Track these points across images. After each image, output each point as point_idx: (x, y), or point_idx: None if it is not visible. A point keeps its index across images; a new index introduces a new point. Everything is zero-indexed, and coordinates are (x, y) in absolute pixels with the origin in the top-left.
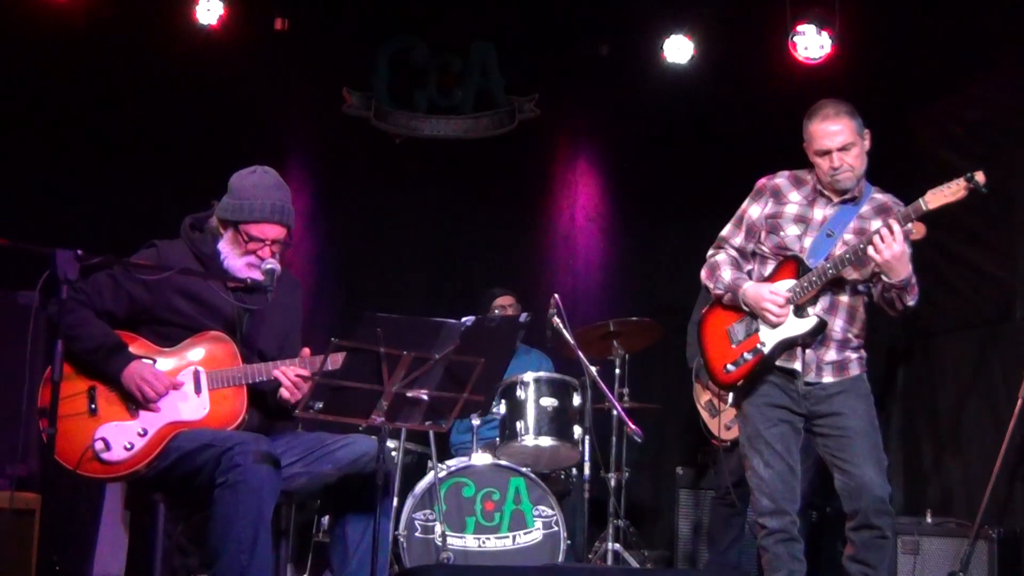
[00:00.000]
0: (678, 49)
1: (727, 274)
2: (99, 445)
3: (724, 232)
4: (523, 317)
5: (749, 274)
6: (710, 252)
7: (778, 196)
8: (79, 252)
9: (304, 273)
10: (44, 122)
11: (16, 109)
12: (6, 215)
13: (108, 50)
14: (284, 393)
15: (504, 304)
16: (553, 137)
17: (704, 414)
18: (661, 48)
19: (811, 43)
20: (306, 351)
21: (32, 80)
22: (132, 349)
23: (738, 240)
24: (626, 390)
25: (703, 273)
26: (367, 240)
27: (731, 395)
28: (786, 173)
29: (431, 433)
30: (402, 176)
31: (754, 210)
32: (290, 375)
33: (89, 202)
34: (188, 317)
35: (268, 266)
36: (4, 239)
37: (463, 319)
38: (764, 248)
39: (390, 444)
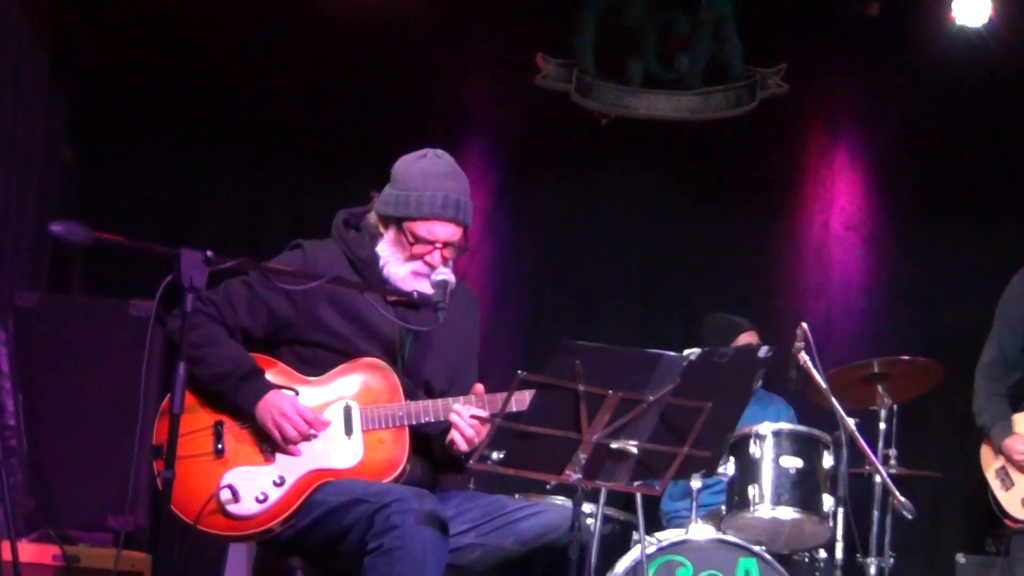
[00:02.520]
0: (971, 8)
1: None
2: (225, 494)
3: None
4: (763, 351)
5: None
6: None
7: None
8: (208, 254)
9: (482, 286)
10: (168, 103)
11: (136, 88)
12: (124, 210)
13: (246, 10)
14: (456, 439)
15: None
16: (805, 120)
17: (995, 485)
18: (949, 7)
19: None
20: (479, 387)
21: (155, 56)
22: (269, 376)
23: None
24: (893, 451)
25: None
26: (562, 246)
27: None
28: None
29: (639, 497)
30: (608, 166)
31: None
32: (465, 417)
33: (222, 196)
34: (340, 338)
35: (440, 277)
36: (119, 235)
37: (686, 351)
38: None
39: (586, 508)
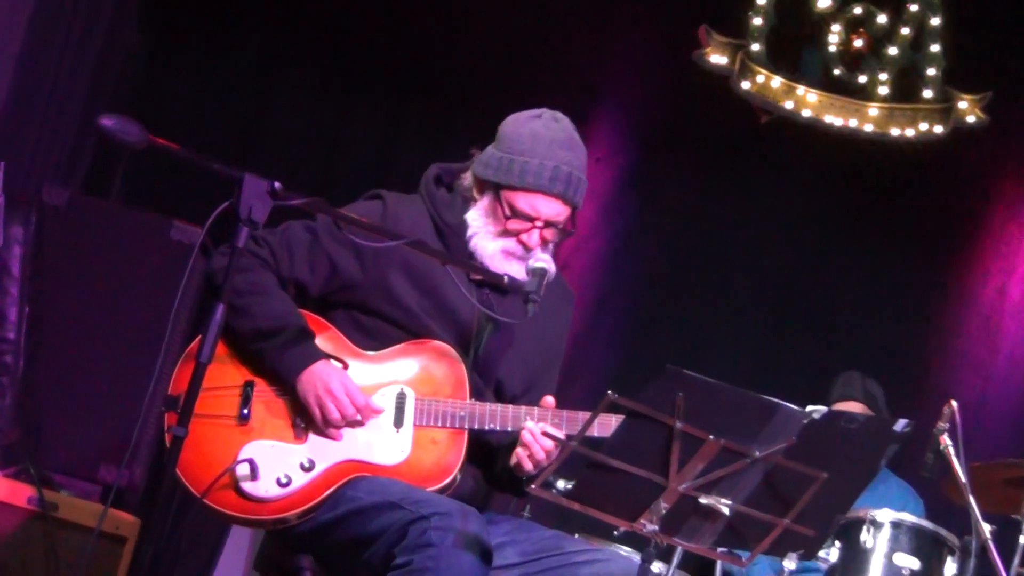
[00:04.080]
0: None
1: None
2: (242, 469)
3: None
4: (901, 425)
5: None
6: None
7: None
8: (276, 185)
9: (584, 283)
10: (260, 3)
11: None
12: (187, 117)
13: None
14: (523, 460)
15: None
16: (1000, 162)
17: None
18: None
19: None
20: (549, 400)
21: None
22: (319, 342)
23: None
24: None
25: None
26: (686, 253)
27: None
28: None
29: (719, 565)
30: (759, 171)
31: None
32: (538, 436)
33: (300, 122)
34: (408, 313)
35: (539, 264)
36: (176, 144)
37: (809, 408)
38: None
39: (656, 568)
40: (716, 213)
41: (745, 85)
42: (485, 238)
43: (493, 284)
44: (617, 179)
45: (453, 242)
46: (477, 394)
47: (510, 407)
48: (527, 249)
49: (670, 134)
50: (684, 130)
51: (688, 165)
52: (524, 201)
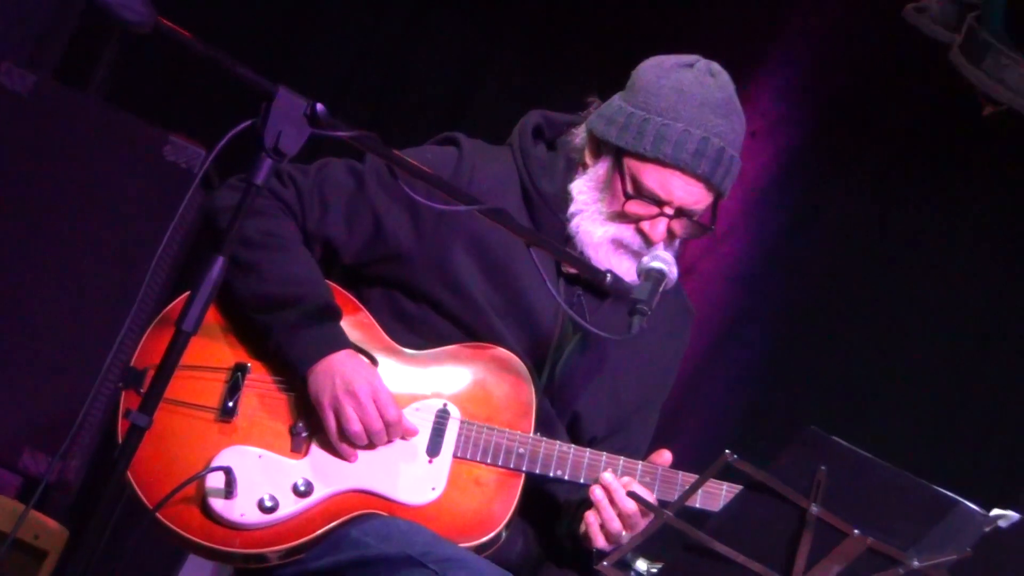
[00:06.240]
0: None
1: None
2: (215, 480)
3: None
4: None
5: None
6: None
7: None
8: (319, 108)
9: (705, 297)
10: None
11: None
12: (214, 21)
13: None
14: (593, 529)
15: None
16: None
17: None
18: None
19: None
20: (666, 456)
21: None
22: (344, 327)
23: None
24: None
25: None
26: (847, 279)
27: None
28: None
29: None
30: (967, 182)
31: None
32: (618, 496)
33: (357, 32)
34: (469, 304)
35: (656, 264)
36: (187, 32)
37: (994, 512)
38: None
39: None
40: (900, 227)
41: (969, 61)
42: (592, 219)
43: (591, 283)
44: (774, 163)
45: (546, 218)
46: (545, 427)
47: (587, 451)
48: (647, 243)
49: (855, 112)
50: (874, 109)
51: (872, 157)
52: (654, 177)
